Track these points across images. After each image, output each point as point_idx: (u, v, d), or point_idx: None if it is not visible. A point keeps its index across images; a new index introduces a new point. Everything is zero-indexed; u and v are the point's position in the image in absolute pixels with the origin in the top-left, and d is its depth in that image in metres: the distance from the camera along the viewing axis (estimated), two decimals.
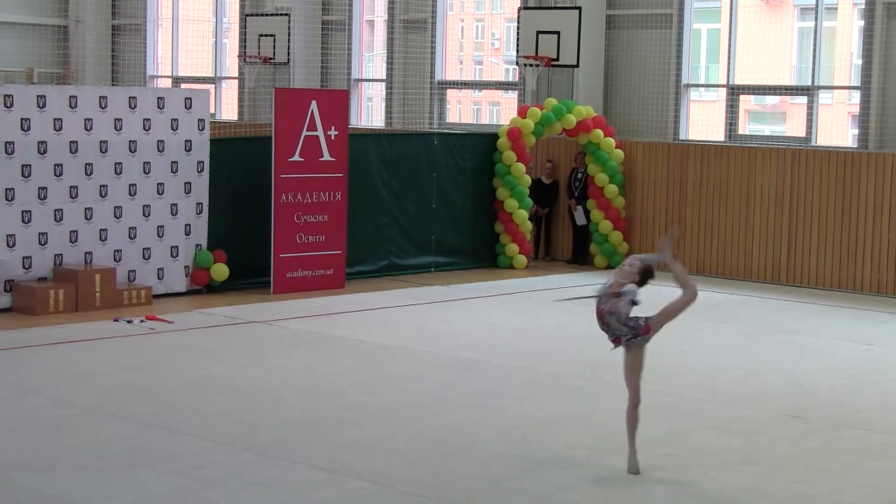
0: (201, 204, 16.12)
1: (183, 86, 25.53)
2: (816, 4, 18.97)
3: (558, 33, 19.81)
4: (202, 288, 16.10)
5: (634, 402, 8.89)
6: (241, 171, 16.55)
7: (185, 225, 16.00)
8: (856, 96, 18.86)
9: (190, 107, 15.98)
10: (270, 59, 23.87)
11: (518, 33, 20.47)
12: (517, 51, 20.44)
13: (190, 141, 15.98)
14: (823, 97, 19.22)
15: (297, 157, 16.36)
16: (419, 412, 10.48)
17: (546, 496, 8.38)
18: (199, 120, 16.07)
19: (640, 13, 20.23)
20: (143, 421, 9.95)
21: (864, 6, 18.29)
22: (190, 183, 16.00)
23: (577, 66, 19.85)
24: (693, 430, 10.12)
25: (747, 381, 11.85)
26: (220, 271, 16.07)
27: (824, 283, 17.90)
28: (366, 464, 8.93)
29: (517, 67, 21.01)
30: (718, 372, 12.06)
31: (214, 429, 9.76)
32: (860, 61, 18.50)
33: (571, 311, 15.62)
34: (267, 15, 24.40)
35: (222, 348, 12.96)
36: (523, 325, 14.73)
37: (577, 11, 19.70)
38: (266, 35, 23.97)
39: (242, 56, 24.49)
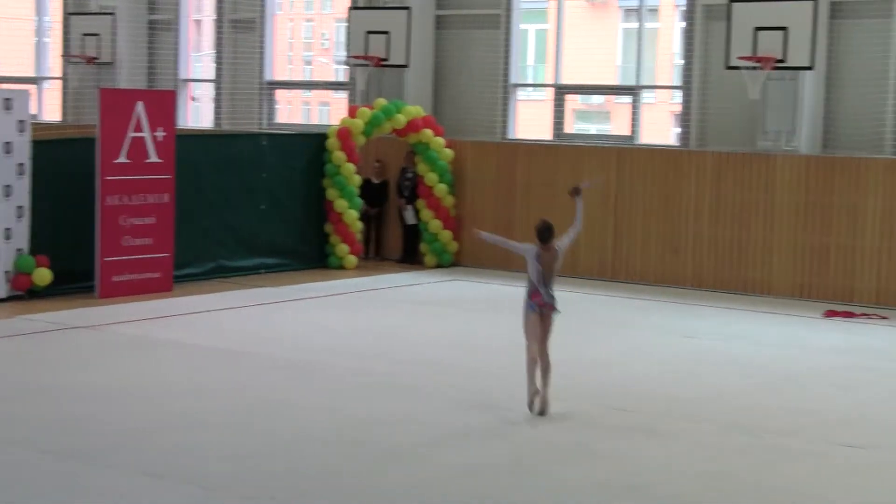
0: (22, 207, 15.69)
1: (1, 86, 24.85)
2: (639, 6, 19.40)
3: (388, 33, 19.88)
4: (23, 293, 15.68)
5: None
6: (64, 174, 16.16)
7: (6, 229, 15.55)
8: (678, 96, 19.35)
9: (9, 108, 15.55)
10: (95, 58, 23.41)
11: (348, 33, 20.46)
12: (347, 51, 20.43)
13: (10, 143, 15.54)
14: (647, 97, 19.67)
15: (123, 159, 16.07)
16: (252, 416, 10.39)
17: (383, 495, 8.39)
18: (18, 121, 15.65)
19: (469, 13, 20.41)
20: None
21: (685, 8, 18.76)
22: (10, 186, 15.56)
23: (406, 66, 19.95)
24: (525, 424, 10.25)
25: (577, 376, 12.02)
26: (43, 276, 15.67)
27: (648, 279, 18.32)
28: (198, 469, 8.82)
29: (347, 67, 21.00)
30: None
31: (39, 436, 9.52)
32: (682, 62, 18.98)
33: (405, 311, 15.69)
34: (91, 14, 23.90)
35: (46, 355, 12.66)
36: (355, 325, 14.73)
37: (407, 12, 19.79)
38: (90, 34, 23.51)
39: (66, 56, 23.97)
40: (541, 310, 10.74)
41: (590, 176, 17.08)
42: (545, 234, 10.75)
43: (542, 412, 10.49)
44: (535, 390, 10.59)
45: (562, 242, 10.88)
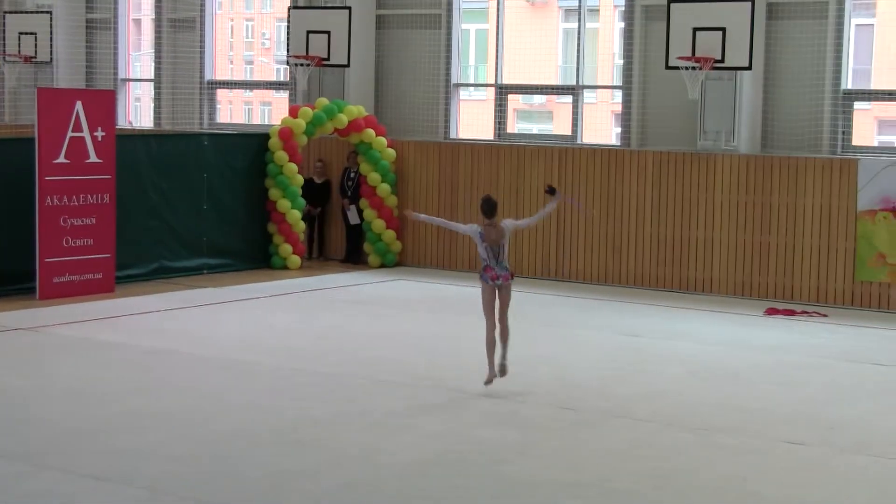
0: None
1: None
2: (579, 6, 19.48)
3: (329, 33, 19.82)
4: None
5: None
6: (2, 174, 15.99)
7: None
8: (618, 95, 19.46)
9: None
10: (32, 57, 23.17)
11: (288, 33, 20.39)
12: (288, 50, 20.37)
13: None
14: (588, 96, 19.77)
15: (62, 159, 15.93)
16: (196, 417, 10.35)
17: (327, 495, 8.40)
18: None
19: (410, 13, 20.41)
20: None
21: (624, 8, 18.87)
22: None
23: (348, 65, 19.91)
24: (470, 426, 10.28)
25: (523, 375, 12.05)
26: None
27: (591, 278, 18.42)
28: (142, 471, 8.78)
29: (288, 67, 20.93)
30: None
31: None
32: (622, 61, 19.09)
33: (349, 311, 15.68)
34: (27, 12, 23.66)
35: None
36: (298, 325, 14.70)
37: (347, 11, 19.76)
38: (27, 33, 23.25)
39: (2, 55, 23.69)
40: (494, 283, 11.21)
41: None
42: (487, 208, 11.17)
43: (502, 373, 11.28)
44: (493, 374, 11.23)
45: (510, 222, 11.40)
